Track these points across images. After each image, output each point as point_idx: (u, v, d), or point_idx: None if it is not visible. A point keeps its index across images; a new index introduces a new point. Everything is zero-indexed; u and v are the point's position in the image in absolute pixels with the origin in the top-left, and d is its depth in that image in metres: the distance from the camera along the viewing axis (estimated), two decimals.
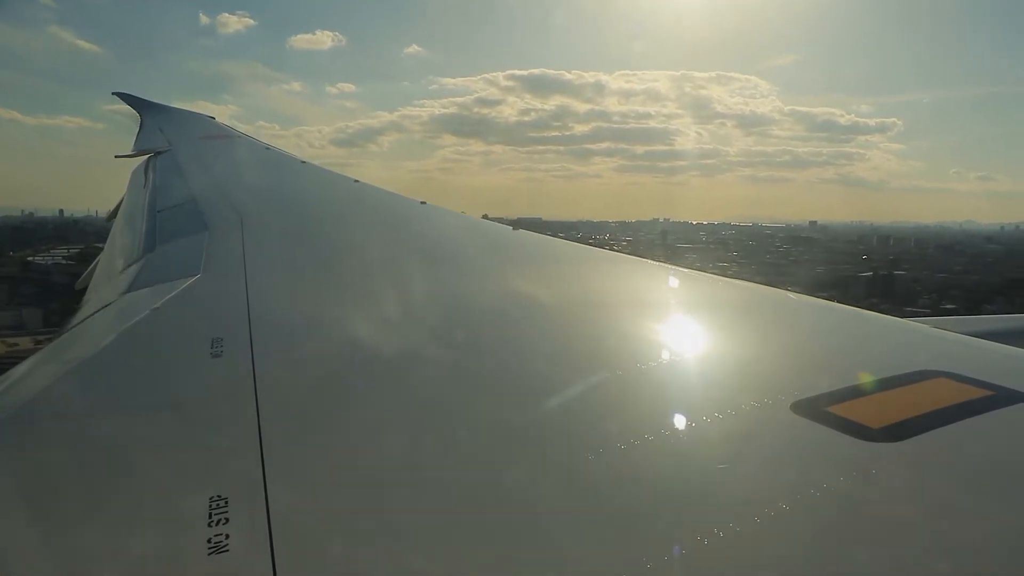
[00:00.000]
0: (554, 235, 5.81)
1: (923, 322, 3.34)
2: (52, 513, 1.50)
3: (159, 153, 9.31)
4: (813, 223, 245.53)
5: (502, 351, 2.55)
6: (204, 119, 13.10)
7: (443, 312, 3.14)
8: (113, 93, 13.62)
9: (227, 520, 1.36)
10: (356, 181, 7.80)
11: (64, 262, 65.64)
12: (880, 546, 1.28)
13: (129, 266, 4.66)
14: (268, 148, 10.67)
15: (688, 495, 1.49)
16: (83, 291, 5.61)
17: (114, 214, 8.24)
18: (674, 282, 3.77)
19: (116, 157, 10.13)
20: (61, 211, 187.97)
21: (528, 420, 1.88)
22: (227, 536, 1.31)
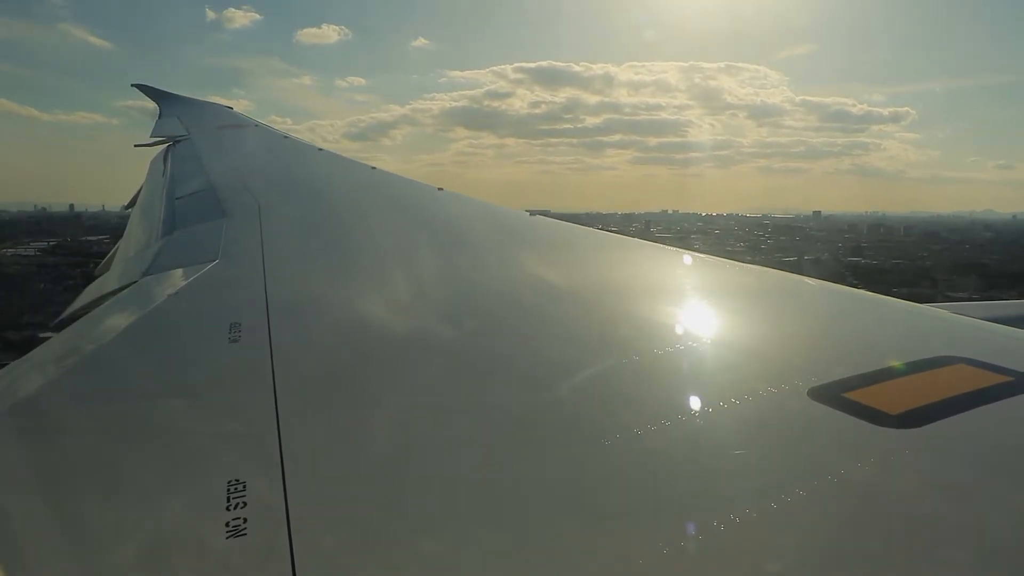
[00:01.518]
0: None
1: (941, 307, 3.35)
2: (68, 496, 1.52)
3: (177, 142, 9.49)
4: (817, 213, 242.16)
5: (518, 336, 2.59)
6: (221, 109, 13.39)
7: (461, 298, 3.16)
8: (132, 85, 14.15)
9: (245, 504, 1.37)
10: (373, 168, 7.89)
11: (34, 254, 68.86)
12: (897, 534, 1.28)
13: (147, 252, 4.73)
14: (286, 136, 10.81)
15: (705, 481, 1.49)
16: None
17: (132, 203, 8.42)
18: (691, 267, 3.79)
19: (135, 146, 10.54)
20: (72, 206, 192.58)
21: (544, 404, 1.90)
22: (245, 520, 1.32)
